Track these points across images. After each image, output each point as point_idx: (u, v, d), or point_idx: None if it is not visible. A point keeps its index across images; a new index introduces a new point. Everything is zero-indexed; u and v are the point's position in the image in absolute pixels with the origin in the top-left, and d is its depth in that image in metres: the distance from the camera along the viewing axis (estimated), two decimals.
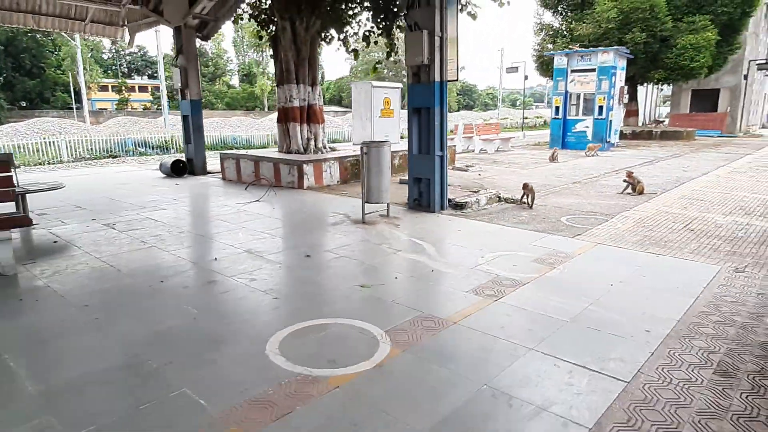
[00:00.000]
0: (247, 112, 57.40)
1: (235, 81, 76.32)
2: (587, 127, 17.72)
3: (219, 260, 4.91)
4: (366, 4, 10.60)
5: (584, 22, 20.33)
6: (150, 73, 75.76)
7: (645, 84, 25.72)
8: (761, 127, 37.59)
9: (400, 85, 13.08)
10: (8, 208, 4.78)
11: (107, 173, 12.92)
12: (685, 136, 23.25)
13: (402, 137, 12.47)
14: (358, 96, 12.12)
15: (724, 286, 4.13)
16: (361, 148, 6.28)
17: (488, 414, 2.40)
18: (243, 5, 10.97)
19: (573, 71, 17.80)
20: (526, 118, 44.16)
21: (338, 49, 11.45)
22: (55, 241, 5.57)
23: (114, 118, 35.74)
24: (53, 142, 18.96)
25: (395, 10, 9.90)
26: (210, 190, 9.54)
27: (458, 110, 59.78)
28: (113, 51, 72.59)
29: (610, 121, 17.56)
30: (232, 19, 11.38)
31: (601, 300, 3.83)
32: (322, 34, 10.52)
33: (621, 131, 20.42)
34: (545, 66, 21.32)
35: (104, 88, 65.95)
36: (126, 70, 75.08)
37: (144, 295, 4.01)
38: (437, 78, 6.71)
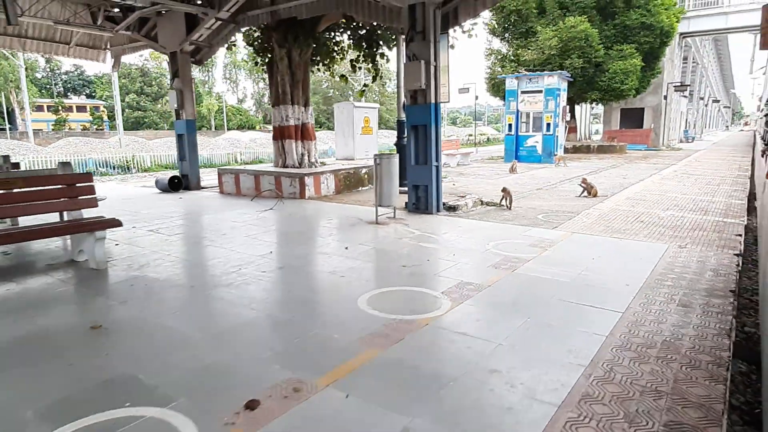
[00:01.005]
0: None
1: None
2: (537, 142, 19.55)
3: (272, 253, 5.75)
4: (349, 33, 11.72)
5: (529, 49, 22.39)
6: (87, 92, 73.11)
7: (581, 104, 28.24)
8: (679, 142, 41.59)
9: (377, 105, 14.20)
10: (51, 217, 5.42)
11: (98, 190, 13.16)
12: (618, 150, 25.79)
13: (391, 152, 13.56)
14: (341, 115, 13.13)
15: (673, 257, 5.43)
16: (375, 159, 7.30)
17: (534, 333, 3.47)
18: (237, 34, 11.77)
19: (523, 92, 19.64)
20: (470, 135, 46.65)
21: (323, 72, 12.39)
22: (117, 243, 6.19)
23: (64, 139, 34.80)
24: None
25: (379, 41, 11.05)
26: (216, 202, 10.20)
27: None
28: (48, 70, 69.62)
29: (557, 136, 19.47)
30: (226, 45, 12.14)
31: (588, 268, 5.01)
32: (313, 59, 11.50)
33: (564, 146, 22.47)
34: (496, 87, 23.19)
35: (39, 108, 63.09)
36: (62, 89, 71.89)
37: (234, 277, 4.81)
38: (432, 100, 7.87)
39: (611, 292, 4.28)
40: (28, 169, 15.60)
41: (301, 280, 4.78)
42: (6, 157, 7.50)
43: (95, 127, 61.92)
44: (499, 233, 6.72)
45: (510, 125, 20.17)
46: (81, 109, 69.47)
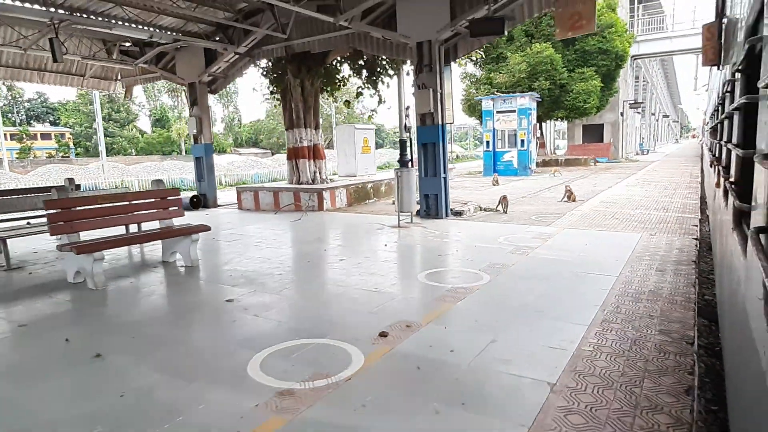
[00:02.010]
0: (164, 157, 56.61)
1: (145, 125, 73.81)
2: (513, 157, 21.20)
3: (326, 251, 6.85)
4: (350, 63, 13.04)
5: (500, 72, 24.24)
6: (51, 119, 71.71)
7: (547, 121, 30.31)
8: (636, 154, 44.44)
9: (374, 126, 15.49)
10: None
11: None
12: (583, 163, 27.81)
13: (379, 169, 14.80)
14: (342, 136, 14.34)
15: (647, 241, 6.81)
16: (396, 172, 8.53)
17: (557, 291, 4.71)
18: (251, 66, 12.90)
19: (498, 112, 21.32)
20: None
21: (328, 98, 13.62)
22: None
23: (43, 166, 34.71)
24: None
25: (380, 71, 12.40)
26: (243, 216, 11.16)
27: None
28: (9, 98, 67.83)
29: (530, 151, 21.18)
30: (241, 76, 13.23)
31: (583, 251, 6.32)
32: (322, 87, 12.73)
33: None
34: (472, 108, 24.90)
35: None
36: (24, 117, 70.17)
37: (308, 267, 5.89)
38: (439, 121, 9.18)
39: (605, 265, 5.58)
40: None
41: (364, 266, 5.91)
42: (71, 180, 8.37)
43: (61, 154, 60.42)
44: (505, 230, 8.00)
45: (488, 142, 21.79)
46: (45, 136, 67.81)
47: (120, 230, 6.90)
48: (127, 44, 13.63)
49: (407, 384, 2.95)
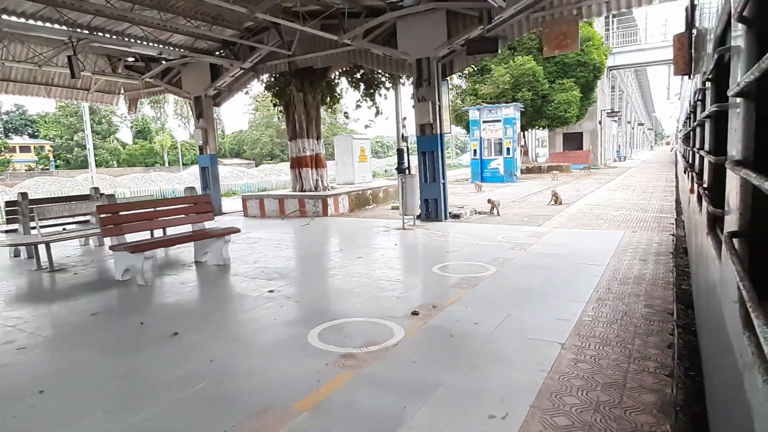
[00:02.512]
0: (147, 169, 56.25)
1: (126, 137, 72.89)
2: (499, 164, 22.07)
3: (342, 250, 7.46)
4: (347, 78, 13.75)
5: (485, 84, 25.19)
6: (30, 132, 70.52)
7: (529, 130, 31.39)
8: (614, 161, 45.94)
9: (369, 137, 16.16)
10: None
11: None
12: (564, 169, 28.87)
13: (374, 176, 15.45)
14: (341, 146, 14.98)
15: (630, 237, 7.58)
16: (400, 178, 9.20)
17: (556, 278, 5.41)
18: (254, 81, 13.49)
19: (484, 122, 22.20)
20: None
21: (326, 110, 14.27)
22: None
23: (31, 179, 34.47)
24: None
25: (377, 84, 13.12)
26: (252, 222, 11.68)
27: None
28: None
29: (515, 159, 22.08)
30: (244, 90, 13.82)
31: (574, 246, 7.05)
32: (322, 100, 13.38)
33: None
34: (459, 117, 25.77)
35: None
36: (2, 129, 68.76)
37: (330, 264, 6.49)
38: (438, 131, 9.89)
39: (594, 257, 6.31)
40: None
41: (381, 262, 6.54)
42: (96, 188, 8.84)
43: (41, 167, 59.38)
44: (501, 230, 8.71)
45: (475, 150, 22.63)
46: (24, 149, 66.61)
47: (155, 233, 7.42)
48: (131, 59, 14.13)
49: (444, 347, 3.59)
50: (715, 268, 1.97)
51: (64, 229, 7.83)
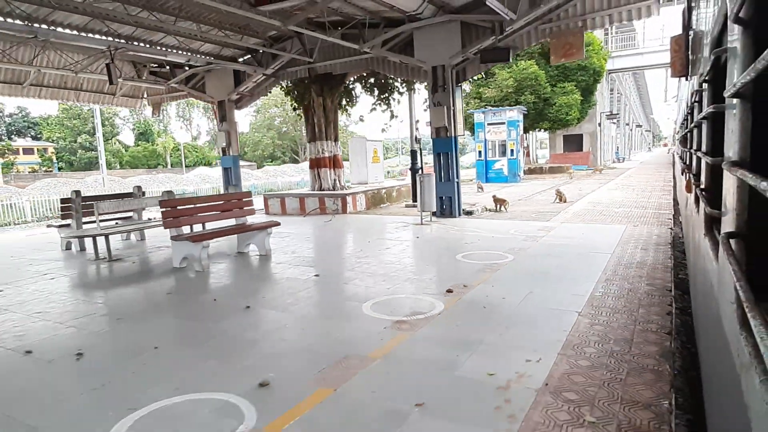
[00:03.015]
0: (150, 170, 56.53)
1: (128, 139, 73.00)
2: (503, 165, 22.76)
3: (370, 242, 8.13)
4: (361, 83, 14.44)
5: (489, 87, 25.90)
6: (33, 134, 70.67)
7: (531, 132, 32.10)
8: (612, 162, 46.65)
9: (382, 139, 16.84)
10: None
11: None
12: (565, 170, 29.57)
13: (390, 177, 16.12)
14: (355, 147, 15.66)
15: (631, 231, 8.25)
16: (420, 177, 9.87)
17: (567, 264, 6.08)
18: (275, 88, 14.17)
19: (489, 124, 22.89)
20: (426, 163, 50.14)
21: (343, 113, 14.95)
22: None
23: (41, 180, 34.99)
24: (14, 204, 18.35)
25: (391, 89, 13.81)
26: (274, 219, 12.34)
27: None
28: None
29: (519, 160, 22.77)
30: (265, 94, 14.48)
31: (581, 238, 7.72)
32: (340, 103, 14.08)
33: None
34: (464, 120, 26.46)
35: None
36: (4, 131, 68.71)
37: (362, 253, 7.16)
38: (452, 134, 10.57)
39: (600, 246, 6.98)
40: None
41: (408, 252, 7.21)
42: (139, 187, 9.52)
43: (44, 169, 59.44)
44: (513, 225, 9.39)
45: (480, 152, 23.33)
46: (28, 151, 66.61)
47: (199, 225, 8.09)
48: (154, 65, 14.81)
49: (480, 315, 4.26)
50: (712, 269, 1.97)
51: (117, 223, 8.50)
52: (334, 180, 13.66)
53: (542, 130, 29.68)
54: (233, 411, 2.75)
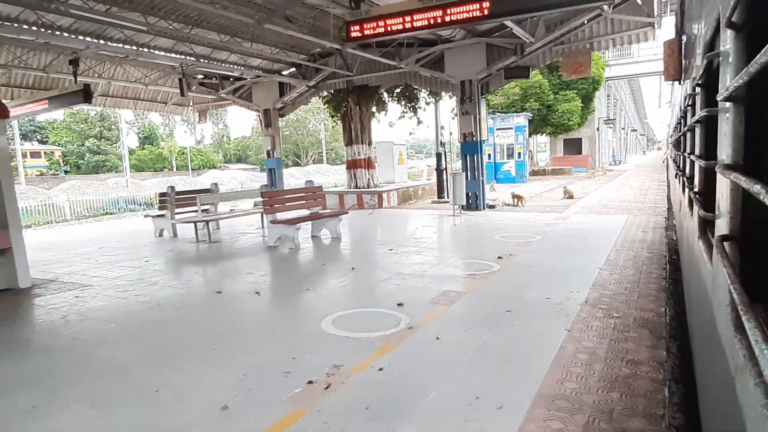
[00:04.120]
0: (156, 173, 57.25)
1: (132, 142, 73.59)
2: (511, 167, 24.35)
3: (417, 229, 9.69)
4: (388, 92, 16.03)
5: (497, 95, 27.54)
6: (39, 138, 71.05)
7: (534, 136, 33.73)
8: (610, 165, 48.30)
9: (405, 143, 18.41)
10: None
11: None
12: (567, 172, 31.18)
13: (409, 177, 17.70)
14: (383, 150, 17.24)
15: (633, 219, 9.82)
16: (453, 176, 11.44)
17: (582, 244, 7.66)
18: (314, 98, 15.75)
19: (498, 129, 24.49)
20: (429, 165, 51.71)
21: (378, 120, 16.54)
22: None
23: (66, 182, 36.42)
24: (54, 203, 19.63)
25: (417, 98, 15.40)
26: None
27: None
28: None
29: (525, 162, 24.36)
30: (305, 104, 16.05)
31: (591, 224, 9.29)
32: (373, 111, 15.66)
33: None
34: None
35: None
36: (11, 135, 69.24)
37: (412, 240, 8.71)
38: (478, 138, 12.15)
39: (609, 230, 8.54)
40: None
41: (452, 235, 8.76)
42: (216, 184, 11.08)
43: (51, 172, 59.79)
44: (532, 215, 10.95)
45: (489, 155, 24.91)
46: (35, 155, 67.12)
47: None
48: (200, 76, 16.37)
49: (528, 271, 5.83)
50: (706, 272, 1.96)
51: (207, 212, 10.06)
52: (368, 179, 15.23)
53: (546, 134, 31.31)
54: (392, 316, 4.31)
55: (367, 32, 6.98)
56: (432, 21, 6.59)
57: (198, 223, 8.91)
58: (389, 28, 6.91)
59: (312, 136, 58.23)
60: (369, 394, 2.88)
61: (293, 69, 14.92)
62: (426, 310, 4.42)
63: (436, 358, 3.39)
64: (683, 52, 4.28)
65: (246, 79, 15.18)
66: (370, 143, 15.32)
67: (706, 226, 2.29)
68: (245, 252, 7.93)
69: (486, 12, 6.20)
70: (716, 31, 1.77)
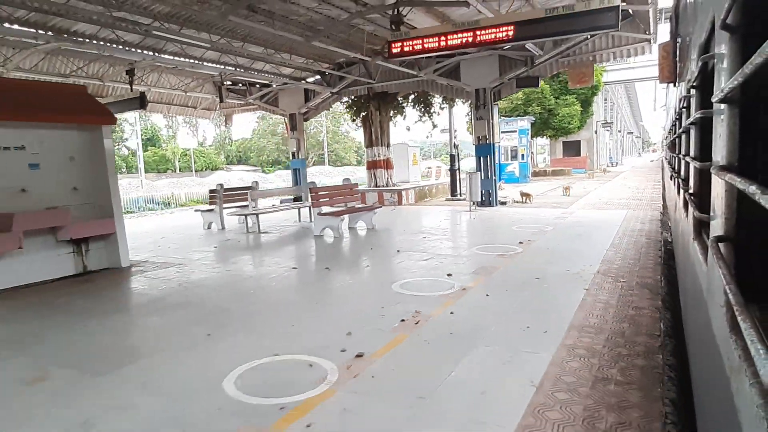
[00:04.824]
0: (159, 174, 57.72)
1: (133, 144, 73.71)
2: (515, 168, 25.48)
3: (442, 222, 10.79)
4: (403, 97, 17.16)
5: (501, 100, 28.68)
6: None
7: (534, 138, 34.90)
8: (607, 166, 49.50)
9: (419, 145, 19.55)
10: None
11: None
12: (566, 173, 32.33)
13: (422, 177, 18.81)
14: (398, 152, 18.35)
15: (632, 213, 10.94)
16: (469, 175, 12.54)
17: (588, 233, 8.79)
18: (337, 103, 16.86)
19: (502, 132, 25.58)
20: (429, 167, 52.83)
21: (395, 124, 17.63)
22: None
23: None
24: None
25: (431, 105, 16.55)
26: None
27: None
28: None
29: (528, 163, 25.49)
30: (328, 109, 17.16)
31: (595, 218, 10.40)
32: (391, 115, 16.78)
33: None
34: None
35: None
36: None
37: (437, 231, 9.81)
38: (491, 141, 13.26)
39: (611, 222, 9.66)
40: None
41: (473, 226, 9.86)
42: (256, 182, 12.17)
43: None
44: (541, 211, 12.06)
45: None
46: None
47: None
48: (228, 83, 17.46)
49: (547, 252, 6.94)
50: (701, 273, 1.95)
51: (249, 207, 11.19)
52: (387, 179, 16.34)
53: (547, 137, 32.47)
54: (446, 282, 5.42)
55: (406, 50, 8.09)
56: (464, 41, 7.70)
57: (248, 216, 10.00)
58: (425, 47, 8.02)
59: (313, 138, 58.66)
60: (449, 326, 3.99)
61: (318, 77, 16.02)
62: (471, 279, 5.53)
63: (490, 307, 4.50)
64: (678, 54, 4.27)
65: (272, 86, 16.28)
66: (388, 145, 16.43)
67: (701, 228, 2.31)
68: (296, 239, 9.03)
69: (510, 36, 7.32)
70: (711, 33, 1.77)
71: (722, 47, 1.39)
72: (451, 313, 4.33)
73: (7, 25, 8.67)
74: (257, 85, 16.93)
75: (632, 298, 4.60)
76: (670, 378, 2.95)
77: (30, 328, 4.52)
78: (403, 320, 4.18)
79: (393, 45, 8.20)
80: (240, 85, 17.06)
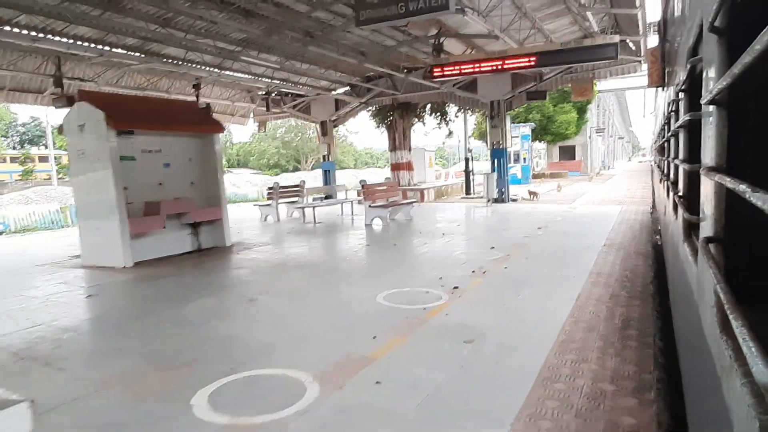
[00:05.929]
0: None
1: None
2: (517, 170, 27.27)
3: (466, 215, 12.52)
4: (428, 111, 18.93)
5: (512, 110, 30.56)
6: (45, 143, 69.90)
7: (533, 143, 36.79)
8: (600, 170, 51.50)
9: (434, 149, 21.29)
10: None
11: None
12: (563, 175, 34.20)
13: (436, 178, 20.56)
14: (416, 155, 20.08)
15: (625, 209, 12.71)
16: (486, 175, 14.29)
17: (592, 223, 10.57)
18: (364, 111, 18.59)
19: None
20: (437, 169, 54.45)
21: (414, 130, 19.35)
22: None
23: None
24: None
25: (447, 113, 18.32)
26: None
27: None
28: (4, 122, 63.54)
29: (529, 166, 27.31)
30: (354, 116, 18.90)
31: (595, 212, 12.17)
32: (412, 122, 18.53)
33: None
34: (483, 134, 31.08)
35: (2, 160, 58.23)
36: (18, 140, 66.27)
37: (454, 226, 11.53)
38: (504, 146, 15.03)
39: (608, 215, 11.41)
40: None
41: (493, 219, 11.60)
42: (303, 181, 13.87)
43: (58, 177, 58.81)
44: (548, 206, 13.82)
45: None
46: (43, 159, 67.14)
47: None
48: (261, 92, 19.15)
49: (563, 234, 8.69)
50: (691, 274, 1.94)
51: (305, 201, 12.86)
52: (409, 179, 18.07)
53: (545, 142, 34.35)
54: (492, 252, 7.15)
55: (446, 73, 9.83)
56: (494, 67, 9.45)
57: (305, 208, 11.71)
58: (461, 71, 9.76)
59: (312, 142, 58.65)
60: (504, 278, 5.71)
61: (347, 88, 17.74)
62: (510, 250, 7.26)
63: (532, 265, 6.23)
64: (666, 58, 4.21)
65: (306, 96, 17.98)
66: (410, 149, 18.18)
67: (691, 229, 2.31)
68: (351, 228, 10.73)
69: (533, 63, 9.07)
70: (699, 37, 1.76)
71: (710, 50, 1.39)
72: (505, 268, 6.07)
73: (113, 50, 10.35)
74: (290, 95, 18.64)
75: (631, 260, 6.35)
76: (660, 379, 3.06)
77: (217, 278, 6.21)
78: (473, 271, 5.90)
79: (435, 69, 9.95)
80: (274, 94, 18.78)
